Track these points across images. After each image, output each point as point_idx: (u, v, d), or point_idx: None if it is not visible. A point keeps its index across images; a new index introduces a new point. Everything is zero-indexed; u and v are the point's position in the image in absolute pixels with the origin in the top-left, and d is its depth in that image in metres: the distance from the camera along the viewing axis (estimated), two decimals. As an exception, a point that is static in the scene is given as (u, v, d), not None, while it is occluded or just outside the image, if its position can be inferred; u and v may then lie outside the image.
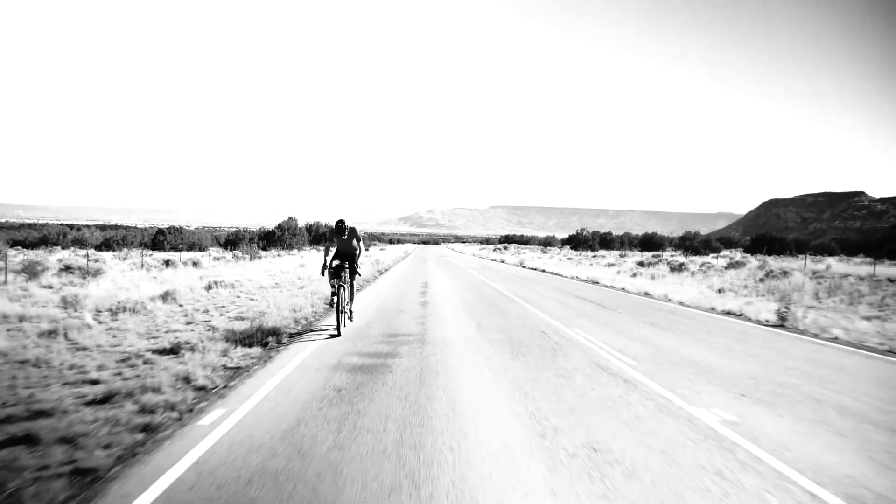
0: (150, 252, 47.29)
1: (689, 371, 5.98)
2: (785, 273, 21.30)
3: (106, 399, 4.43)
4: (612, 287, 17.98)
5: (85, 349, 6.35)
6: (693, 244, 75.19)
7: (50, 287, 14.01)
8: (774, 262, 31.91)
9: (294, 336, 7.59)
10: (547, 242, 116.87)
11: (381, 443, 3.64)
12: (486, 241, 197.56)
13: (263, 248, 52.50)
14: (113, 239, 57.86)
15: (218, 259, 34.91)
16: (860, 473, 3.37)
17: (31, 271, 17.14)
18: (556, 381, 5.37)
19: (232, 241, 62.51)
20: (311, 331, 8.06)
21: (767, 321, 10.09)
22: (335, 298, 7.96)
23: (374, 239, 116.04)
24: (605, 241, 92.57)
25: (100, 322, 8.35)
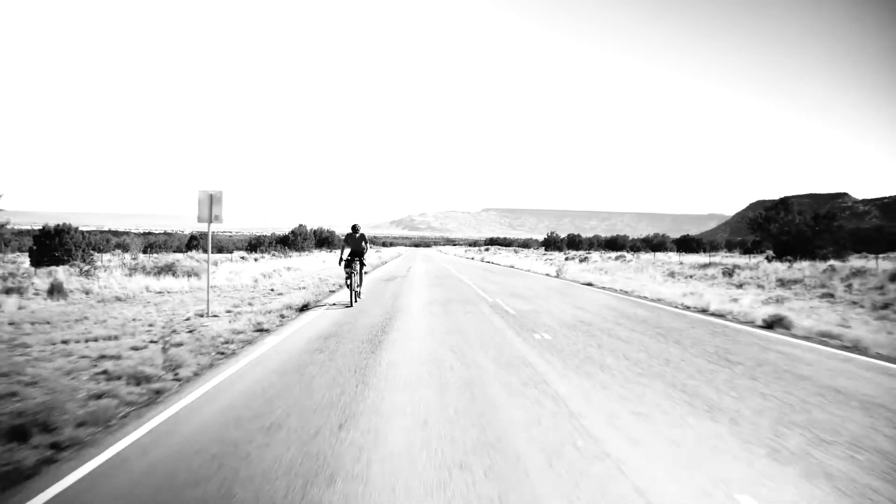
0: (195, 253, 59.84)
1: (487, 280, 19.22)
2: (635, 260, 34.56)
3: (311, 284, 17.46)
4: (517, 269, 30.97)
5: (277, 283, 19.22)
6: (648, 245, 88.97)
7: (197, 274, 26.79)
8: (646, 256, 45.04)
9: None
10: (525, 244, 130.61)
11: (398, 287, 16.86)
12: (474, 243, 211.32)
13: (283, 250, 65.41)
14: (154, 244, 70.60)
15: (262, 257, 47.89)
16: (503, 293, 16.47)
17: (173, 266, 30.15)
18: (443, 281, 18.53)
19: (254, 245, 75.68)
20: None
21: (554, 275, 23.13)
22: (349, 281, 11.11)
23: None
24: (573, 243, 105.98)
25: (267, 277, 21.17)
